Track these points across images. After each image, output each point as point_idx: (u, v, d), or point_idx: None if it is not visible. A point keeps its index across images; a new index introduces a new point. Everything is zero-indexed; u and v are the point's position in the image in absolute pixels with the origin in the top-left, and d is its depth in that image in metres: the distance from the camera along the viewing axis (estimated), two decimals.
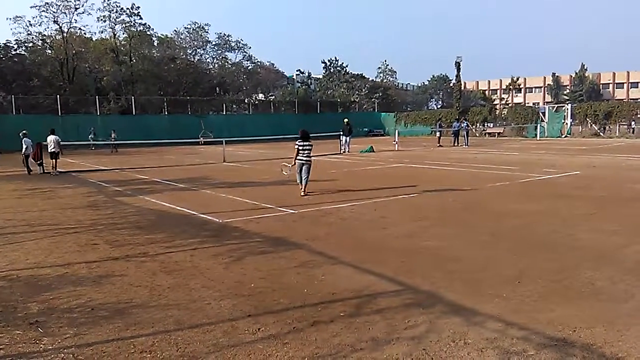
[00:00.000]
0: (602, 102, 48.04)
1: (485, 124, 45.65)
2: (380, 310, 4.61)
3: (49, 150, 18.01)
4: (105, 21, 48.03)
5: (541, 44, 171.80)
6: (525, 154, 23.54)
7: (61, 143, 18.70)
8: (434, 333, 4.09)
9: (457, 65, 45.11)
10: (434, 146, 30.49)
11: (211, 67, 58.43)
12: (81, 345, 3.99)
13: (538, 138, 36.93)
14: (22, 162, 18.25)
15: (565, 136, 38.18)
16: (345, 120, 27.83)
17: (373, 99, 62.15)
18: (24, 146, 18.15)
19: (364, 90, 63.92)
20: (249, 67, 60.87)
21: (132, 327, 4.32)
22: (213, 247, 7.11)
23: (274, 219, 9.09)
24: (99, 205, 11.14)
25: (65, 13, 45.51)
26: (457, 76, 46.62)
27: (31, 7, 45.32)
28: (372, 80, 71.35)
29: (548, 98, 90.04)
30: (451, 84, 67.94)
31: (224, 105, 50.12)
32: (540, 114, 41.47)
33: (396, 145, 28.97)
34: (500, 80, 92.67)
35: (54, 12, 44.97)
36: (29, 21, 45.58)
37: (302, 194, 11.41)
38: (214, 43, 57.33)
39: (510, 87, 76.50)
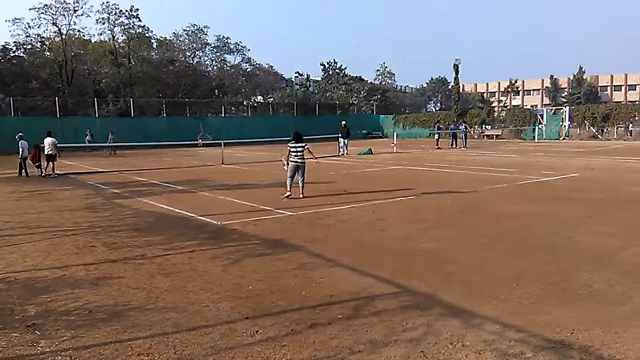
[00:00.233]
0: (600, 105, 48.20)
1: (484, 126, 45.74)
2: (378, 313, 4.61)
3: (46, 153, 17.98)
4: (104, 23, 48.11)
5: (539, 47, 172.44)
6: (523, 156, 23.58)
7: (59, 145, 18.69)
8: (432, 335, 4.09)
9: (456, 67, 45.21)
10: (433, 148, 30.53)
11: (210, 69, 58.45)
12: (78, 348, 3.98)
13: (536, 140, 37.02)
14: (19, 165, 18.20)
15: (563, 139, 38.26)
16: (343, 122, 27.85)
17: (372, 101, 62.24)
18: (21, 149, 18.12)
19: (362, 92, 64.06)
20: (248, 69, 60.91)
21: (130, 330, 4.31)
22: (211, 249, 7.10)
23: (272, 221, 9.09)
24: (96, 207, 11.12)
25: (64, 15, 45.56)
26: (456, 78, 46.73)
27: (30, 9, 45.45)
28: (371, 82, 71.53)
29: (546, 100, 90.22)
30: (449, 87, 68.08)
31: (223, 107, 50.12)
32: (539, 116, 41.56)
33: (395, 147, 29.01)
34: (499, 83, 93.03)
35: (52, 14, 45.02)
36: (28, 23, 45.62)
37: (285, 198, 11.19)
38: (212, 45, 57.39)
39: (509, 89, 76.83)
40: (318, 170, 15.48)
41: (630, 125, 38.15)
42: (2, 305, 4.99)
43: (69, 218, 9.76)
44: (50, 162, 18.11)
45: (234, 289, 5.36)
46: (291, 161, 11.42)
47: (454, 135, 31.97)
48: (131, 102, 43.08)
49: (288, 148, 11.50)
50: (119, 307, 4.87)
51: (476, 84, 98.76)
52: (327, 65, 67.61)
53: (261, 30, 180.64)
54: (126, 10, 48.21)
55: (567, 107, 43.55)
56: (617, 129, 38.53)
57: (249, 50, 71.72)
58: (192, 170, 19.83)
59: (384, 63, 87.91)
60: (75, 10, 45.55)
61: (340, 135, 26.99)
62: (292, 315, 4.58)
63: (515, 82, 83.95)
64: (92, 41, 49.95)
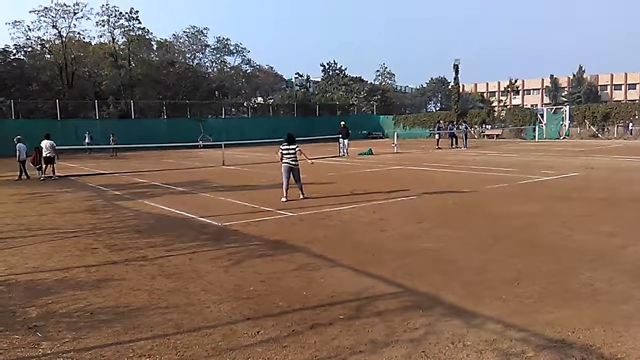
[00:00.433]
0: (600, 104, 48.22)
1: (484, 126, 45.73)
2: (379, 313, 4.61)
3: (44, 155, 17.96)
4: (104, 25, 48.20)
5: (539, 46, 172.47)
6: (523, 155, 23.58)
7: (60, 147, 18.68)
8: (433, 335, 4.09)
9: (456, 67, 45.22)
10: (433, 148, 30.53)
11: (210, 71, 58.55)
12: (80, 350, 3.99)
13: (536, 140, 37.00)
14: (19, 168, 18.21)
15: (564, 138, 38.24)
16: (342, 123, 27.87)
17: (372, 102, 62.27)
18: (18, 152, 18.12)
19: (362, 93, 64.06)
20: (248, 71, 61.02)
21: (131, 331, 4.32)
22: (212, 250, 7.11)
23: (273, 222, 9.10)
24: (98, 209, 11.14)
25: (64, 18, 45.68)
26: (456, 78, 46.73)
27: (30, 11, 45.74)
28: (371, 83, 71.61)
29: (546, 100, 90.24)
30: (449, 86, 68.11)
31: (223, 108, 50.16)
32: (539, 115, 41.55)
33: (395, 147, 29.01)
34: (499, 82, 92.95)
35: (52, 16, 45.14)
36: (28, 26, 45.75)
37: (284, 199, 11.10)
38: (212, 47, 57.53)
39: (509, 89, 76.77)
40: (318, 171, 15.50)
41: (630, 124, 38.13)
42: (3, 307, 5.00)
43: (70, 220, 9.77)
44: (50, 165, 18.11)
45: (235, 289, 5.36)
46: (284, 163, 11.32)
47: (451, 135, 32.05)
48: (131, 104, 43.13)
49: (280, 150, 11.40)
50: (121, 308, 4.87)
51: (476, 84, 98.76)
52: (327, 66, 67.68)
53: (261, 32, 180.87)
54: (126, 13, 48.35)
55: (567, 107, 43.53)
56: (617, 128, 38.51)
57: (249, 51, 72.09)
58: (192, 172, 19.84)
59: (383, 64, 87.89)
60: (75, 13, 45.70)
61: (340, 135, 27.01)
62: (293, 315, 4.59)
63: (515, 81, 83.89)
64: (92, 43, 50.07)
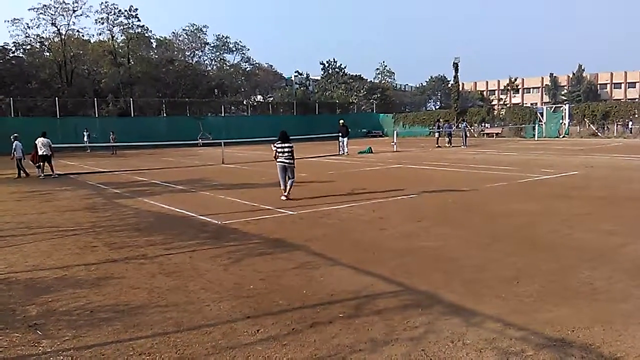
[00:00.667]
0: (599, 103, 48.24)
1: (484, 125, 45.74)
2: (379, 311, 4.61)
3: (40, 154, 17.93)
4: (103, 23, 48.17)
5: (539, 45, 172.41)
6: (523, 154, 23.59)
7: (59, 145, 18.66)
8: (433, 334, 4.10)
9: (455, 66, 45.20)
10: (433, 147, 30.53)
11: (209, 68, 58.53)
12: (80, 348, 3.99)
13: (536, 138, 37.02)
14: (17, 166, 18.20)
15: (563, 136, 38.26)
16: (341, 121, 27.85)
17: (371, 100, 62.23)
18: (13, 149, 18.09)
19: (362, 91, 64.03)
20: (247, 69, 61.00)
21: (131, 329, 4.32)
22: (212, 248, 7.11)
23: (273, 220, 9.10)
24: (97, 207, 11.13)
25: (63, 15, 45.63)
26: (455, 77, 46.72)
27: (29, 9, 45.68)
28: (371, 81, 71.52)
29: (546, 98, 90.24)
30: (449, 85, 68.10)
31: (222, 106, 50.13)
32: (538, 114, 41.55)
33: (395, 146, 29.00)
34: (498, 81, 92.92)
35: (51, 14, 45.08)
36: (27, 24, 45.71)
37: (284, 197, 11.00)
38: (212, 45, 57.51)
39: (508, 87, 76.82)
40: (318, 169, 15.50)
41: (630, 122, 38.14)
42: (3, 305, 5.00)
43: (70, 218, 9.77)
44: (46, 163, 18.09)
45: (235, 288, 5.37)
46: (278, 162, 11.18)
47: (448, 133, 32.14)
48: (131, 102, 43.09)
49: (274, 148, 11.28)
50: (121, 306, 4.88)
51: (476, 82, 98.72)
52: (326, 65, 67.63)
53: (261, 30, 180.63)
54: (125, 10, 48.30)
55: (567, 105, 43.53)
56: (616, 126, 38.52)
57: (249, 49, 71.99)
58: (192, 170, 19.84)
59: (383, 62, 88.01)
60: (74, 11, 45.65)
61: (340, 134, 26.99)
62: (293, 314, 4.59)
63: (515, 80, 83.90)
64: (92, 41, 50.06)
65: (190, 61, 55.83)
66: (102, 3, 47.36)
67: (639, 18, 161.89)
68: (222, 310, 4.75)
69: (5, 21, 78.69)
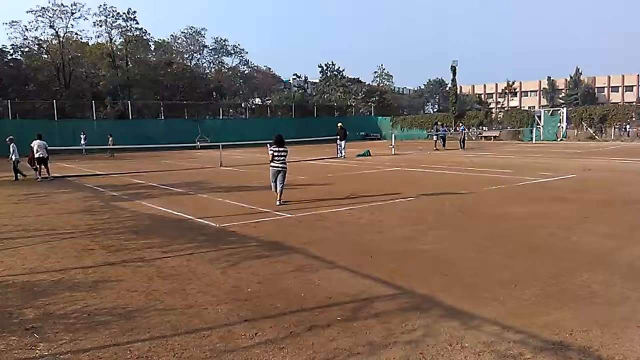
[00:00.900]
0: (597, 106, 48.42)
1: (482, 128, 45.83)
2: (377, 314, 4.61)
3: (35, 156, 17.88)
4: (101, 26, 48.25)
5: (536, 48, 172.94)
6: (521, 157, 23.64)
7: (57, 148, 18.61)
8: (431, 337, 4.09)
9: (453, 69, 45.35)
10: (431, 150, 30.59)
11: (208, 71, 58.62)
12: (77, 351, 3.98)
13: (534, 141, 37.11)
14: (13, 169, 18.15)
15: (561, 140, 38.36)
16: (339, 124, 27.88)
17: (369, 103, 62.37)
18: (10, 152, 18.04)
19: (360, 94, 64.16)
20: (246, 72, 61.13)
21: (129, 333, 4.31)
22: (210, 251, 7.10)
23: (271, 223, 9.09)
24: (95, 210, 11.11)
25: (61, 18, 45.69)
26: (453, 80, 46.88)
27: (27, 11, 45.70)
28: (369, 84, 71.74)
29: (544, 102, 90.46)
30: (447, 88, 68.26)
31: (221, 109, 50.18)
32: (536, 117, 41.65)
33: (393, 149, 29.03)
34: (496, 84, 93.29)
35: (50, 17, 45.14)
36: (25, 26, 45.75)
37: (278, 202, 10.86)
38: (210, 47, 57.62)
39: (506, 90, 77.05)
40: (316, 172, 15.49)
41: (628, 126, 38.29)
42: (0, 308, 4.98)
43: (67, 221, 9.75)
44: (42, 165, 18.04)
45: (233, 291, 5.36)
46: (272, 165, 11.02)
47: (442, 137, 32.25)
48: (129, 104, 43.10)
49: (270, 152, 11.12)
50: (118, 310, 4.86)
51: (474, 86, 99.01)
52: (325, 67, 67.66)
53: (259, 33, 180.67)
54: (123, 13, 48.39)
55: (565, 108, 43.65)
56: (614, 129, 38.65)
57: (247, 52, 72.12)
58: (190, 173, 19.82)
59: (381, 65, 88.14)
60: (72, 13, 45.73)
61: (337, 137, 27.00)
62: (290, 317, 4.59)
63: (513, 83, 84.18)
64: (90, 44, 50.07)
65: (189, 64, 55.90)
66: (100, 6, 47.64)
67: (637, 22, 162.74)
68: (220, 313, 4.73)
69: (3, 24, 78.68)
